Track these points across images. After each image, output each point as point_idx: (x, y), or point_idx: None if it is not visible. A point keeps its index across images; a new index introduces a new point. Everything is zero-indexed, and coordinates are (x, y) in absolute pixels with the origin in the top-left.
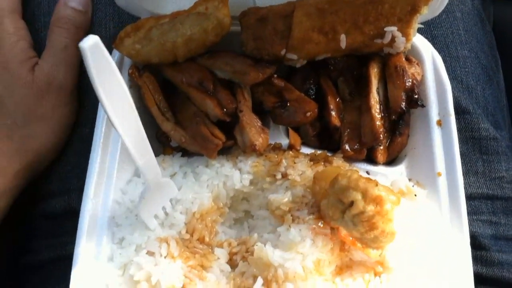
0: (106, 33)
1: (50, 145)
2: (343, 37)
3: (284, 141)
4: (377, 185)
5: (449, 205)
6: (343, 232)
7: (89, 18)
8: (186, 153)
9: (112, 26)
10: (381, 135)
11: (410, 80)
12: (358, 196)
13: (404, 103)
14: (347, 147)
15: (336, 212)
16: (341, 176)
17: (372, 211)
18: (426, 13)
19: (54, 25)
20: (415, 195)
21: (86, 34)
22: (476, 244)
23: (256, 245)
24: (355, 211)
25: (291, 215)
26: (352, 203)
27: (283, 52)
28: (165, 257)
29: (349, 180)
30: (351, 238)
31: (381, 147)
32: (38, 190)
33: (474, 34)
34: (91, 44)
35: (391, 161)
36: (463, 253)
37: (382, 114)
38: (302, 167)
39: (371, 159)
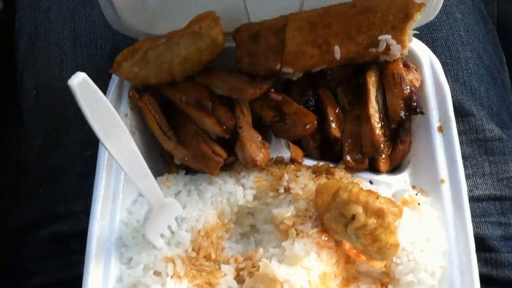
0: (103, 55)
1: None
2: (337, 48)
3: (286, 154)
4: (378, 197)
5: (453, 213)
6: (347, 245)
7: None
8: (190, 170)
9: (108, 48)
10: (382, 145)
11: (408, 87)
12: (359, 210)
13: (403, 112)
14: (348, 158)
15: (339, 225)
16: (342, 190)
17: (374, 224)
18: (420, 18)
19: None
20: (419, 204)
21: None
22: (485, 246)
23: (261, 261)
24: (357, 225)
25: (295, 229)
26: (354, 217)
27: (278, 66)
28: (171, 277)
29: (350, 193)
30: (355, 251)
31: (383, 156)
32: (44, 212)
33: (475, 34)
34: (79, 81)
35: (394, 169)
36: (468, 262)
37: (382, 123)
38: (304, 180)
39: (374, 168)
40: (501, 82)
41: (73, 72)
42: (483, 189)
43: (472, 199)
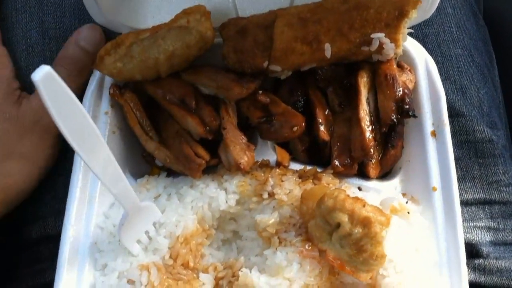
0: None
1: (24, 185)
2: (327, 46)
3: (273, 157)
4: (364, 205)
5: (445, 223)
6: (331, 255)
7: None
8: (172, 172)
9: None
10: (372, 150)
11: (401, 89)
12: (344, 218)
13: (394, 115)
14: (337, 162)
15: (324, 233)
16: (327, 196)
17: (360, 233)
18: (416, 16)
19: (57, 62)
20: (408, 213)
21: (89, 76)
22: (473, 252)
23: (241, 271)
24: (342, 233)
25: (278, 237)
26: (339, 225)
27: (265, 64)
28: (145, 286)
29: (336, 200)
30: (339, 262)
31: (373, 161)
32: (11, 216)
33: (467, 30)
34: (43, 75)
35: (385, 175)
36: (458, 275)
37: (373, 126)
38: (289, 186)
39: (363, 174)
40: (491, 80)
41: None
42: (472, 192)
43: (461, 203)
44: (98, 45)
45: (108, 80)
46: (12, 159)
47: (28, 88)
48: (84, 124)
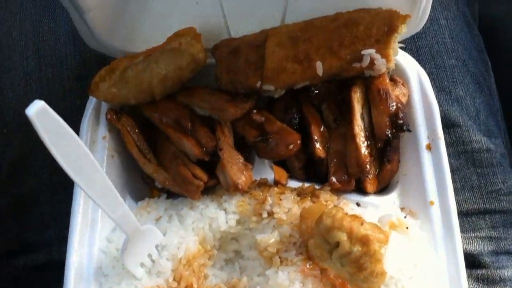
0: (69, 74)
1: None
2: (319, 64)
3: (271, 176)
4: (362, 223)
5: (443, 237)
6: (332, 273)
7: None
8: (172, 193)
9: (75, 66)
10: (368, 166)
11: (395, 104)
12: (343, 237)
13: (389, 130)
14: (334, 179)
15: (324, 252)
16: (325, 215)
17: (359, 252)
18: (406, 30)
19: None
20: (407, 228)
21: None
22: (476, 263)
23: None
24: (341, 252)
25: (279, 257)
26: (338, 244)
27: (258, 84)
28: None
29: (334, 219)
30: (340, 280)
31: (370, 177)
32: (16, 243)
33: (460, 40)
34: (37, 110)
35: (383, 189)
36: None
37: (368, 142)
38: (288, 204)
39: (361, 189)
40: (487, 89)
41: (38, 94)
42: (472, 202)
43: (461, 214)
44: None
45: (105, 105)
46: None
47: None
48: (80, 153)
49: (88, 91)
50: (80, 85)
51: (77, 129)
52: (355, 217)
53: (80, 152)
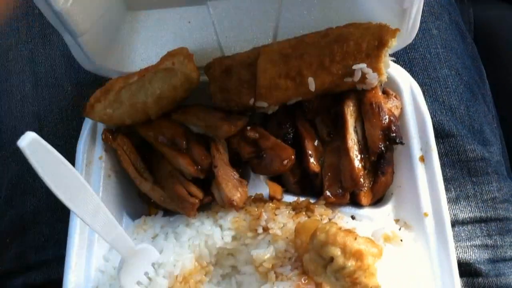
0: (66, 95)
1: None
2: (311, 80)
3: (266, 190)
4: (356, 238)
5: (437, 249)
6: (326, 287)
7: None
8: (168, 211)
9: (70, 88)
10: (362, 179)
11: (387, 117)
12: (337, 252)
13: (382, 144)
14: (328, 193)
15: (318, 267)
16: (319, 231)
17: (353, 266)
18: (396, 44)
19: None
20: (401, 240)
21: None
22: (472, 272)
23: None
24: (335, 267)
25: (275, 272)
26: (332, 259)
27: (251, 101)
28: None
29: (327, 234)
30: None
31: (365, 189)
32: (15, 262)
33: (453, 49)
34: (29, 142)
35: (378, 201)
36: None
37: (362, 155)
38: (283, 219)
39: (356, 202)
40: (481, 97)
41: (34, 116)
42: (468, 211)
43: (457, 223)
44: None
45: (101, 125)
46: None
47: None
48: (74, 181)
49: (84, 113)
50: (76, 106)
51: (73, 150)
52: (348, 232)
53: (74, 179)
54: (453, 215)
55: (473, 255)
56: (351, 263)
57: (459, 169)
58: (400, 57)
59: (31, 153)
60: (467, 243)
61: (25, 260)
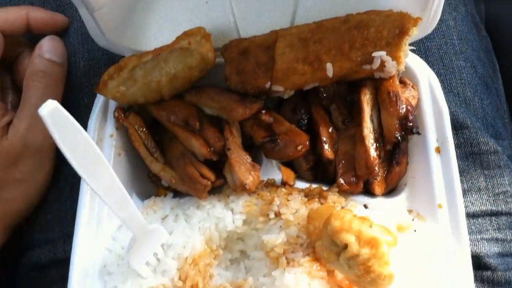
0: (77, 72)
1: (27, 206)
2: (329, 65)
3: (278, 176)
4: (371, 226)
5: (451, 241)
6: (339, 275)
7: (66, 70)
8: (178, 193)
9: (83, 64)
10: (376, 168)
11: (404, 106)
12: (351, 239)
13: (398, 133)
14: (342, 181)
15: (331, 254)
16: (333, 217)
17: (367, 254)
18: (417, 33)
19: (29, 79)
20: (415, 231)
21: (63, 86)
22: (481, 265)
23: None
24: (349, 254)
25: (286, 258)
26: (346, 246)
27: (268, 85)
28: None
29: (342, 221)
30: (347, 282)
31: (378, 179)
32: (20, 240)
33: (469, 41)
34: (51, 109)
35: (391, 191)
36: None
37: (377, 144)
38: (295, 205)
39: (369, 191)
40: (495, 90)
41: None
42: (479, 204)
43: (468, 216)
44: (62, 54)
45: (113, 103)
46: (9, 186)
47: None
48: (91, 152)
49: (96, 89)
50: (88, 83)
51: (84, 127)
52: (363, 219)
53: (90, 150)
54: (464, 207)
55: (483, 249)
56: (365, 251)
57: (471, 161)
58: (416, 46)
59: (52, 121)
60: (477, 236)
61: (31, 238)
